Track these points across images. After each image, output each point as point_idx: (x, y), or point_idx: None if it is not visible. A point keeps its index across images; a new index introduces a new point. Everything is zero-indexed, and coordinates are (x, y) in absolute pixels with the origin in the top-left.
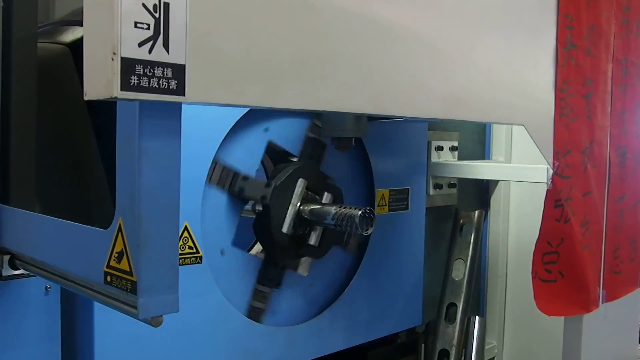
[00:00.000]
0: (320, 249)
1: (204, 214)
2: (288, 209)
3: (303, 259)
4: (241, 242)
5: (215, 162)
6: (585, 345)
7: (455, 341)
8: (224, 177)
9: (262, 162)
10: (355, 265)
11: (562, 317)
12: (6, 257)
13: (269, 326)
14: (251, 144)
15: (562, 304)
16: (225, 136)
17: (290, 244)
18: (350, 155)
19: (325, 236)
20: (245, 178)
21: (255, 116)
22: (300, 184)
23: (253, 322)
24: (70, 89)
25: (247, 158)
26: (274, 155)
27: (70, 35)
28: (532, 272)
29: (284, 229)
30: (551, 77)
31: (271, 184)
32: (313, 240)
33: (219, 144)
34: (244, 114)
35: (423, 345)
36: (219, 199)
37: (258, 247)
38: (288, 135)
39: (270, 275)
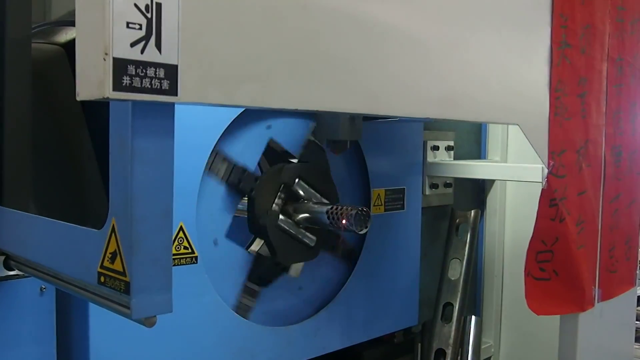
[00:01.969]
0: (313, 249)
1: (199, 202)
2: (274, 200)
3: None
4: (236, 240)
5: (215, 152)
6: (581, 344)
7: (451, 341)
8: (222, 167)
9: (258, 164)
10: (349, 268)
11: (558, 317)
12: (1, 258)
13: (265, 326)
14: (253, 139)
15: (556, 303)
16: (228, 128)
17: (282, 241)
18: (346, 155)
19: (318, 237)
20: (244, 171)
21: (259, 111)
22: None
23: (249, 322)
24: (65, 90)
25: (247, 152)
26: (273, 154)
27: (65, 35)
28: (524, 270)
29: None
30: (546, 76)
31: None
32: (307, 239)
33: (221, 134)
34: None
35: (419, 345)
36: (216, 189)
37: (257, 244)
38: (290, 136)
39: (261, 273)
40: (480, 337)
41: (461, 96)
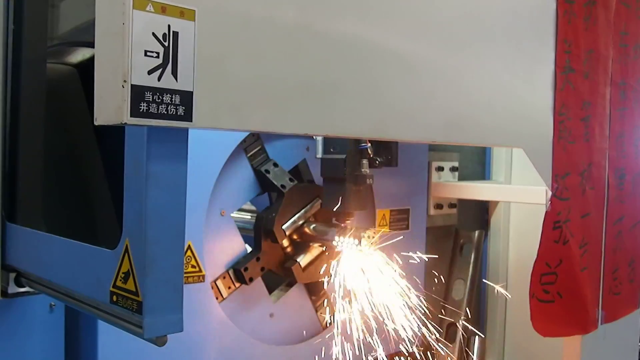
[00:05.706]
0: (303, 273)
1: (222, 173)
2: (297, 213)
3: (277, 290)
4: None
5: (257, 137)
6: None
7: None
8: (258, 153)
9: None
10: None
11: (562, 338)
12: (12, 275)
13: (270, 345)
14: (291, 150)
15: (560, 325)
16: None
17: (281, 248)
18: None
19: (313, 264)
20: (276, 164)
21: None
22: (316, 202)
23: (255, 340)
24: (78, 110)
25: (281, 157)
26: (298, 176)
27: (78, 56)
28: (529, 292)
29: (285, 227)
30: (550, 100)
31: (295, 180)
32: (300, 258)
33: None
34: None
35: None
36: (242, 168)
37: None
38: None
39: (246, 267)
40: (484, 357)
41: (466, 121)
